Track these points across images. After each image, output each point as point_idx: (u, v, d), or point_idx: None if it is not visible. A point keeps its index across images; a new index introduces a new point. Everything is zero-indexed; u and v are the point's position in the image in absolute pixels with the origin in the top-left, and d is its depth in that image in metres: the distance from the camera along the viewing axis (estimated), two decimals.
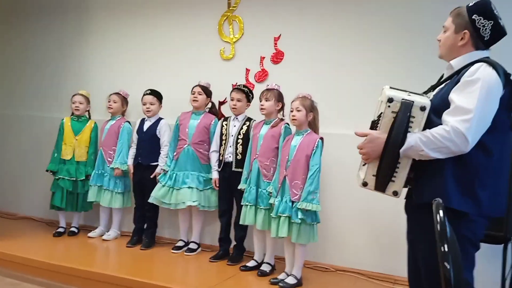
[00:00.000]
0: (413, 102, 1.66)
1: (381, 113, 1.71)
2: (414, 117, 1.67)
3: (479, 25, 1.74)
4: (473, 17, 1.74)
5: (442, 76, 1.89)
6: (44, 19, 4.76)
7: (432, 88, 1.90)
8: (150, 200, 3.66)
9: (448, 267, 1.14)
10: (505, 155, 1.72)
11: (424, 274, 1.74)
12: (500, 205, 1.72)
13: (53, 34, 4.72)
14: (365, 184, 1.76)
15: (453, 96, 1.67)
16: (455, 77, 1.74)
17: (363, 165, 1.81)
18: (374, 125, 1.80)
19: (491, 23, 1.73)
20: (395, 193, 1.73)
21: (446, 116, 1.65)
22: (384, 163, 1.70)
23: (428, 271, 1.71)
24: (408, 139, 1.65)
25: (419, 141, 1.64)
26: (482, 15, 1.73)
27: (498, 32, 1.75)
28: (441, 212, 1.25)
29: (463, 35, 1.76)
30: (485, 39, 1.75)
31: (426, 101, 1.69)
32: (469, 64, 1.71)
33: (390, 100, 1.67)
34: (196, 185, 3.59)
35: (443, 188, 1.65)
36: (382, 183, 1.73)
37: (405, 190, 1.87)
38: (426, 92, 1.89)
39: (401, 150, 1.65)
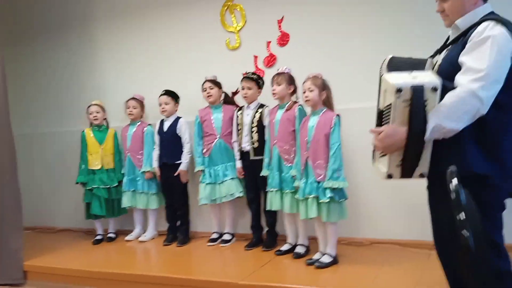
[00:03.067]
0: (423, 86, 1.55)
1: (390, 104, 1.60)
2: (427, 100, 1.56)
3: None
4: None
5: (448, 38, 1.84)
6: (53, 36, 4.84)
7: (439, 51, 1.84)
8: (201, 203, 3.71)
9: (467, 234, 1.14)
10: None
11: (451, 243, 1.73)
12: None
13: (64, 49, 4.80)
14: (390, 177, 1.67)
15: (463, 58, 1.62)
16: (462, 38, 1.68)
17: (381, 156, 1.72)
18: (381, 116, 1.70)
19: None
20: (422, 175, 1.65)
21: (458, 78, 1.60)
22: (410, 153, 1.60)
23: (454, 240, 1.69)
24: (429, 124, 1.56)
25: (438, 120, 1.56)
26: None
27: None
28: (454, 180, 1.25)
29: None
30: None
31: (434, 79, 1.58)
32: (475, 24, 1.65)
33: (399, 90, 1.54)
34: (236, 175, 3.65)
35: (463, 153, 1.61)
36: (408, 171, 1.64)
37: None
38: (432, 56, 1.83)
39: (425, 138, 1.56)
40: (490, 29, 1.59)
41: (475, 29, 1.63)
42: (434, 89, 1.56)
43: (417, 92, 1.54)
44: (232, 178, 3.63)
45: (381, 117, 1.70)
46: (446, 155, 1.63)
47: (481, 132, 1.61)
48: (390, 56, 1.77)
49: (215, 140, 3.68)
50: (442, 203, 1.64)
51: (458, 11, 1.72)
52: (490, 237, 1.58)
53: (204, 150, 3.74)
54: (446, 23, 1.81)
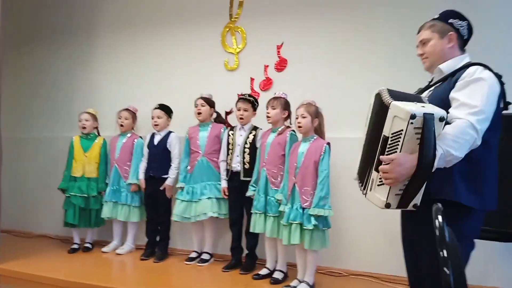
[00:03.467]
0: (433, 114, 1.57)
1: (400, 130, 1.60)
2: (435, 130, 1.58)
3: (457, 26, 1.86)
4: (449, 21, 1.86)
5: (432, 80, 1.95)
6: (51, 42, 4.86)
7: (421, 91, 1.93)
8: (174, 219, 3.69)
9: (448, 272, 1.15)
10: (497, 148, 1.78)
11: (428, 277, 1.75)
12: (496, 199, 1.77)
13: (62, 57, 4.82)
14: (388, 206, 1.65)
15: (456, 95, 1.70)
16: (450, 78, 1.78)
17: (379, 185, 1.69)
18: (386, 143, 1.67)
19: (466, 23, 1.87)
20: (416, 206, 1.65)
21: (453, 112, 1.67)
22: (416, 182, 1.60)
23: (432, 274, 1.71)
24: (437, 153, 1.59)
25: (445, 147, 1.59)
26: (457, 17, 1.87)
27: (471, 31, 1.89)
28: (440, 217, 1.26)
29: (450, 37, 1.86)
30: (465, 38, 1.88)
31: (442, 110, 1.61)
32: (462, 67, 1.77)
33: (413, 116, 1.54)
34: (215, 195, 3.62)
35: (451, 184, 1.67)
36: (407, 201, 1.64)
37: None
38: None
39: (434, 164, 1.57)
40: (480, 72, 1.71)
41: (464, 71, 1.74)
42: (442, 119, 1.59)
43: (429, 120, 1.55)
44: (208, 198, 3.60)
45: (386, 144, 1.68)
46: (436, 183, 1.69)
47: (467, 165, 1.68)
48: (385, 88, 1.79)
49: (198, 158, 3.68)
50: (421, 227, 1.72)
51: (435, 53, 1.88)
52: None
53: (188, 167, 3.73)
54: (426, 66, 1.95)
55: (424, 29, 1.93)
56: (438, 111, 1.59)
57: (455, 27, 1.86)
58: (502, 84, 1.75)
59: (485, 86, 1.67)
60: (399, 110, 1.61)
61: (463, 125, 1.62)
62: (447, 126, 1.63)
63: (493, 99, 1.68)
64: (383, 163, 1.63)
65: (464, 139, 1.61)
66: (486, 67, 1.74)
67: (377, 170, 1.69)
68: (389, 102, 1.67)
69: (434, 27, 1.89)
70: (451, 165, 1.64)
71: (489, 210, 1.76)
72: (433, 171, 1.58)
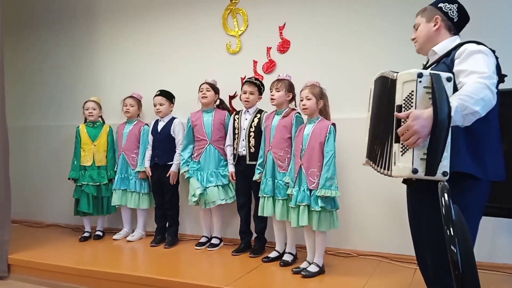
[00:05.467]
0: (439, 74, 1.60)
1: (411, 91, 1.61)
2: (444, 86, 1.60)
3: (446, 9, 1.94)
4: (439, 5, 1.96)
5: (427, 62, 2.00)
6: (54, 29, 4.83)
7: None
8: (190, 203, 3.68)
9: (455, 250, 1.14)
10: (497, 122, 1.81)
11: (430, 252, 1.80)
12: (502, 169, 1.80)
13: (64, 43, 4.79)
14: (415, 171, 1.58)
15: (461, 67, 1.73)
16: (446, 59, 1.82)
17: (402, 154, 1.65)
18: (401, 110, 1.66)
19: (456, 5, 1.95)
20: (445, 174, 1.57)
21: (465, 80, 1.68)
22: (437, 140, 1.56)
23: (434, 249, 1.77)
24: (451, 106, 1.58)
25: (459, 101, 1.58)
26: (446, 1, 1.95)
27: (464, 15, 1.96)
28: (446, 195, 1.25)
29: (435, 20, 1.94)
30: (455, 20, 1.95)
31: (447, 73, 1.64)
32: (455, 47, 1.82)
33: (420, 75, 1.58)
34: (222, 183, 3.63)
35: (458, 156, 1.68)
36: (433, 165, 1.57)
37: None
38: None
39: (452, 114, 1.55)
40: (476, 46, 1.77)
41: (458, 49, 1.79)
42: (449, 79, 1.61)
43: (436, 77, 1.58)
44: (215, 186, 3.61)
45: (400, 111, 1.66)
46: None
47: (470, 138, 1.73)
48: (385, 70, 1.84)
49: (206, 145, 3.67)
50: (425, 201, 1.77)
51: (421, 36, 1.99)
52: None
53: (195, 155, 3.73)
54: (416, 49, 2.07)
55: (418, 14, 2.04)
56: (444, 73, 1.62)
57: (444, 10, 1.95)
58: (496, 58, 1.80)
59: (485, 57, 1.72)
60: (406, 75, 1.64)
61: (477, 85, 1.63)
62: (465, 84, 1.66)
63: (494, 69, 1.72)
64: (401, 121, 1.62)
65: (478, 95, 1.61)
66: (479, 43, 1.79)
67: (397, 142, 1.66)
68: (395, 74, 1.71)
69: (424, 11, 2.00)
70: (470, 122, 1.63)
71: (495, 181, 1.79)
72: (451, 125, 1.56)
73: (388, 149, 1.75)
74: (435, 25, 1.94)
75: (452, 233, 1.20)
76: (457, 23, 1.95)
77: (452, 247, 1.17)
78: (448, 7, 1.94)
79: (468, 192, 1.73)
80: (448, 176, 1.58)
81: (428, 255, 1.85)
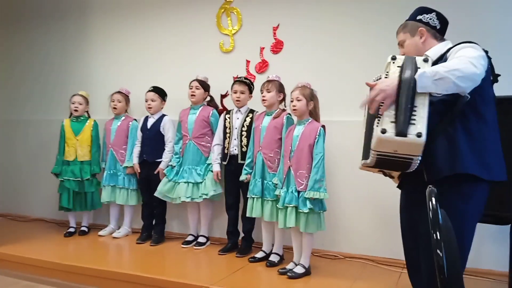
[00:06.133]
0: (414, 57, 1.72)
1: (387, 72, 1.74)
2: (419, 68, 1.68)
3: (426, 19, 1.99)
4: (417, 17, 2.01)
5: None
6: (45, 23, 4.79)
7: None
8: (156, 194, 3.70)
9: (441, 254, 1.15)
10: (496, 122, 1.83)
11: (425, 260, 1.78)
12: (503, 170, 1.81)
13: (55, 37, 4.75)
14: (383, 132, 1.63)
15: (452, 57, 1.78)
16: (440, 61, 1.83)
17: (377, 125, 1.69)
18: None
19: (433, 13, 2.00)
20: (419, 135, 1.60)
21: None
22: (402, 98, 1.63)
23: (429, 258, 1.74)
24: (419, 70, 1.67)
25: (432, 68, 1.65)
26: (424, 12, 2.01)
27: (443, 19, 2.01)
28: (433, 199, 1.26)
29: (420, 33, 1.98)
30: (438, 28, 1.99)
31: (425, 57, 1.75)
32: (448, 49, 1.86)
33: (394, 57, 1.73)
34: (194, 180, 3.61)
35: (461, 158, 1.71)
36: (402, 123, 1.61)
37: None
38: None
39: (416, 76, 1.63)
40: (468, 43, 1.81)
41: (451, 50, 1.83)
42: (425, 60, 1.70)
43: (410, 58, 1.73)
44: (186, 182, 3.60)
45: None
46: (446, 160, 1.74)
47: (470, 140, 1.74)
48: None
49: (187, 141, 3.68)
50: (423, 208, 1.71)
51: (411, 51, 1.99)
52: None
53: (180, 150, 3.73)
54: None
55: (398, 32, 2.08)
56: (420, 57, 1.74)
57: (424, 21, 1.99)
58: (489, 58, 1.82)
59: (475, 50, 1.75)
60: (386, 63, 1.79)
61: (459, 60, 1.68)
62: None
63: (484, 61, 1.73)
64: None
65: (455, 67, 1.65)
66: (472, 42, 1.82)
67: (377, 117, 1.71)
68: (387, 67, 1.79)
69: (405, 27, 2.04)
70: (448, 91, 1.67)
71: (498, 181, 1.80)
72: (422, 90, 1.64)
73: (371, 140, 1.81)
74: (421, 37, 1.97)
75: (438, 238, 1.21)
76: (440, 29, 2.00)
77: (438, 251, 1.18)
78: (428, 17, 1.99)
79: (470, 197, 1.75)
80: (422, 137, 1.60)
81: (423, 258, 1.83)
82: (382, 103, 1.67)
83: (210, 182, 3.59)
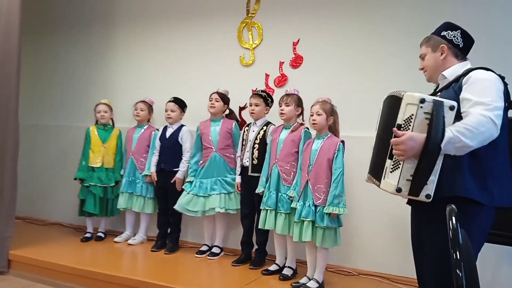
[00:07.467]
0: (443, 101, 1.66)
1: (411, 115, 1.68)
2: (445, 117, 1.66)
3: (450, 36, 1.98)
4: (442, 33, 1.99)
5: (437, 87, 2.03)
6: (71, 31, 4.92)
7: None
8: (175, 207, 3.71)
9: (461, 274, 1.14)
10: (506, 148, 1.82)
11: (429, 276, 1.80)
12: (509, 196, 1.79)
13: (80, 46, 4.87)
14: (399, 190, 1.68)
15: (467, 95, 1.76)
16: (455, 84, 1.85)
17: (392, 171, 1.74)
18: (400, 129, 1.74)
19: (458, 31, 1.98)
20: (428, 196, 1.67)
21: (471, 110, 1.71)
22: (425, 161, 1.65)
23: (434, 274, 1.78)
24: (446, 135, 1.66)
25: (456, 133, 1.64)
26: (449, 29, 1.99)
27: (468, 38, 1.99)
28: (454, 218, 1.25)
29: (441, 49, 1.97)
30: (461, 46, 1.97)
31: (451, 101, 1.70)
32: (465, 72, 1.84)
33: (422, 101, 1.65)
34: (226, 191, 3.65)
35: (461, 181, 1.72)
36: (418, 186, 1.67)
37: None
38: None
39: (442, 145, 1.63)
40: (484, 73, 1.80)
41: (467, 75, 1.82)
42: (452, 108, 1.66)
43: (438, 105, 1.65)
44: (218, 193, 3.63)
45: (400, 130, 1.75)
46: (447, 181, 1.73)
47: (475, 164, 1.74)
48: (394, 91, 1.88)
49: (211, 154, 3.70)
50: (429, 225, 1.78)
51: (430, 66, 2.02)
52: None
53: (201, 162, 3.75)
54: (426, 78, 2.10)
55: (422, 44, 2.08)
56: (448, 101, 1.67)
57: (448, 38, 1.98)
58: (505, 84, 1.82)
59: (492, 84, 1.75)
60: (411, 97, 1.69)
61: (481, 118, 1.66)
62: (466, 117, 1.69)
63: (501, 96, 1.74)
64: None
65: (478, 130, 1.65)
66: (488, 69, 1.82)
67: (391, 158, 1.75)
68: (402, 93, 1.76)
69: (429, 42, 2.03)
70: (463, 153, 1.68)
71: (501, 207, 1.79)
72: (441, 153, 1.63)
73: (382, 164, 1.83)
74: (442, 54, 1.97)
75: (458, 257, 1.20)
76: (463, 48, 1.98)
77: (458, 271, 1.17)
78: (452, 34, 1.97)
79: (470, 218, 1.73)
80: (430, 199, 1.66)
81: (427, 275, 1.85)
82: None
83: (234, 196, 3.66)
